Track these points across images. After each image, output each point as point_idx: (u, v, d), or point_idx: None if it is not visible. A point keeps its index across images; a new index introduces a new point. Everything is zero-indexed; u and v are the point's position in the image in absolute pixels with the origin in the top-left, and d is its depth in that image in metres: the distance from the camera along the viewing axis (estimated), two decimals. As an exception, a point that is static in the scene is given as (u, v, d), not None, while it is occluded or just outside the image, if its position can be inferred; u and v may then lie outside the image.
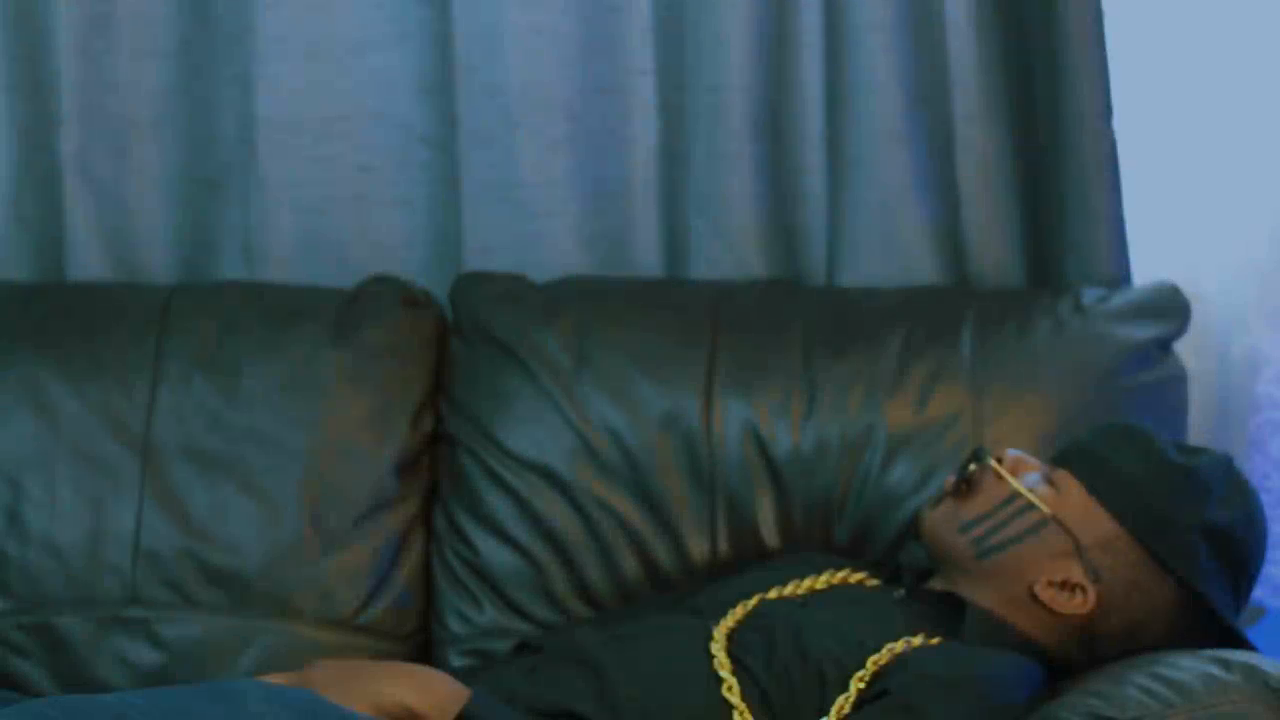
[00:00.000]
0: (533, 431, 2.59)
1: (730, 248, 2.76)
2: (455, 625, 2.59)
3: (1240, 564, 2.26)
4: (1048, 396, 2.54)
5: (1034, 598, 2.25)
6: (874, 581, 2.37)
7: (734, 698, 2.15)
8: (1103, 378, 2.55)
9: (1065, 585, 2.24)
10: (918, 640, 2.20)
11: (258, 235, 2.80)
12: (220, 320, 2.66)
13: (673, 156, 2.78)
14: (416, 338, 2.67)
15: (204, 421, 2.61)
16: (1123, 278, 2.68)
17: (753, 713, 2.15)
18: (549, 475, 2.58)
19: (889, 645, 2.18)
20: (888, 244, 2.76)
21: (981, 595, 2.27)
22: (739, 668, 2.18)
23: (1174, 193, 2.74)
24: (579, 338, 2.62)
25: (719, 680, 2.16)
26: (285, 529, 2.58)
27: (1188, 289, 2.65)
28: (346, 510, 2.58)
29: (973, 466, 2.30)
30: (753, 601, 2.30)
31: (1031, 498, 2.26)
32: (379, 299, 2.69)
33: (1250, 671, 2.06)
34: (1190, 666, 2.08)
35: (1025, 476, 2.29)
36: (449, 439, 2.63)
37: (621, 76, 2.76)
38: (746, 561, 2.50)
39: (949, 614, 2.26)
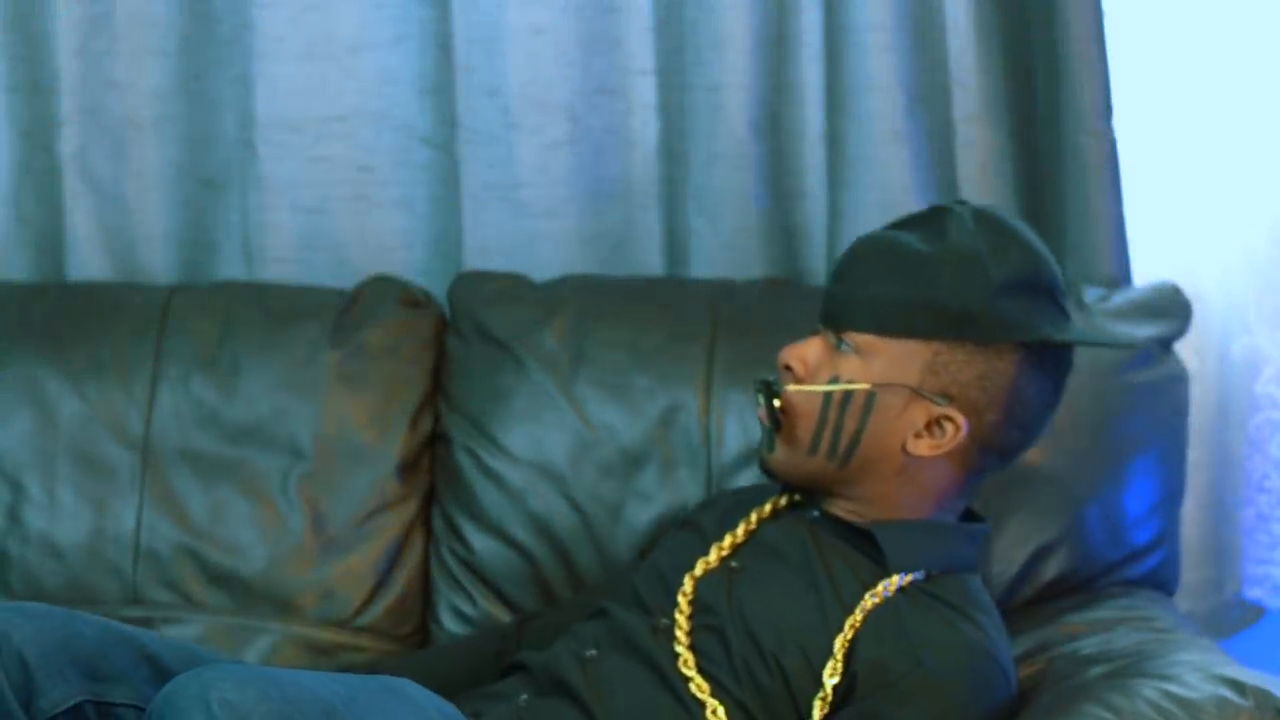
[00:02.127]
0: (531, 429, 2.59)
1: (730, 248, 2.76)
2: (451, 623, 2.59)
3: (1045, 285, 2.18)
4: (1048, 395, 2.54)
5: (916, 457, 2.18)
6: (783, 502, 2.30)
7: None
8: (1103, 375, 2.54)
9: (930, 426, 2.17)
10: (870, 603, 2.14)
11: (257, 235, 2.80)
12: (220, 320, 2.66)
13: (673, 156, 2.78)
14: (416, 338, 2.67)
15: (204, 421, 2.61)
16: (1123, 278, 2.68)
17: None
18: (547, 472, 2.58)
19: (849, 620, 2.13)
20: (888, 244, 2.76)
21: (871, 490, 2.20)
22: (714, 685, 2.14)
23: (1174, 193, 2.74)
24: (577, 335, 2.62)
25: (702, 705, 2.14)
26: (285, 529, 2.58)
27: (1188, 289, 2.65)
28: (346, 510, 2.58)
29: (776, 403, 2.20)
30: (689, 589, 2.23)
31: (845, 387, 2.17)
32: (378, 299, 2.69)
33: (1264, 697, 2.05)
34: (1202, 687, 2.07)
35: (822, 370, 2.19)
36: (446, 437, 2.63)
37: (621, 76, 2.76)
38: (667, 530, 2.47)
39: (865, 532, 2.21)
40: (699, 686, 2.14)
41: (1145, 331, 2.58)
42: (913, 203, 2.75)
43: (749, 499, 2.34)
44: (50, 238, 2.82)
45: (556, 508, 2.56)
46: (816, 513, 2.25)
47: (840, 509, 2.24)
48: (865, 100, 2.74)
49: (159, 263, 2.83)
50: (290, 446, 2.60)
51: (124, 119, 2.80)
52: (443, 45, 2.76)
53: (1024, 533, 2.49)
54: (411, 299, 2.70)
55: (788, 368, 2.21)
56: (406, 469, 2.61)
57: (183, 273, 2.84)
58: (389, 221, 2.81)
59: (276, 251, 2.81)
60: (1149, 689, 2.07)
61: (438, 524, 2.62)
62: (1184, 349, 2.65)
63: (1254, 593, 2.73)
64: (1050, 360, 2.19)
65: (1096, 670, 2.20)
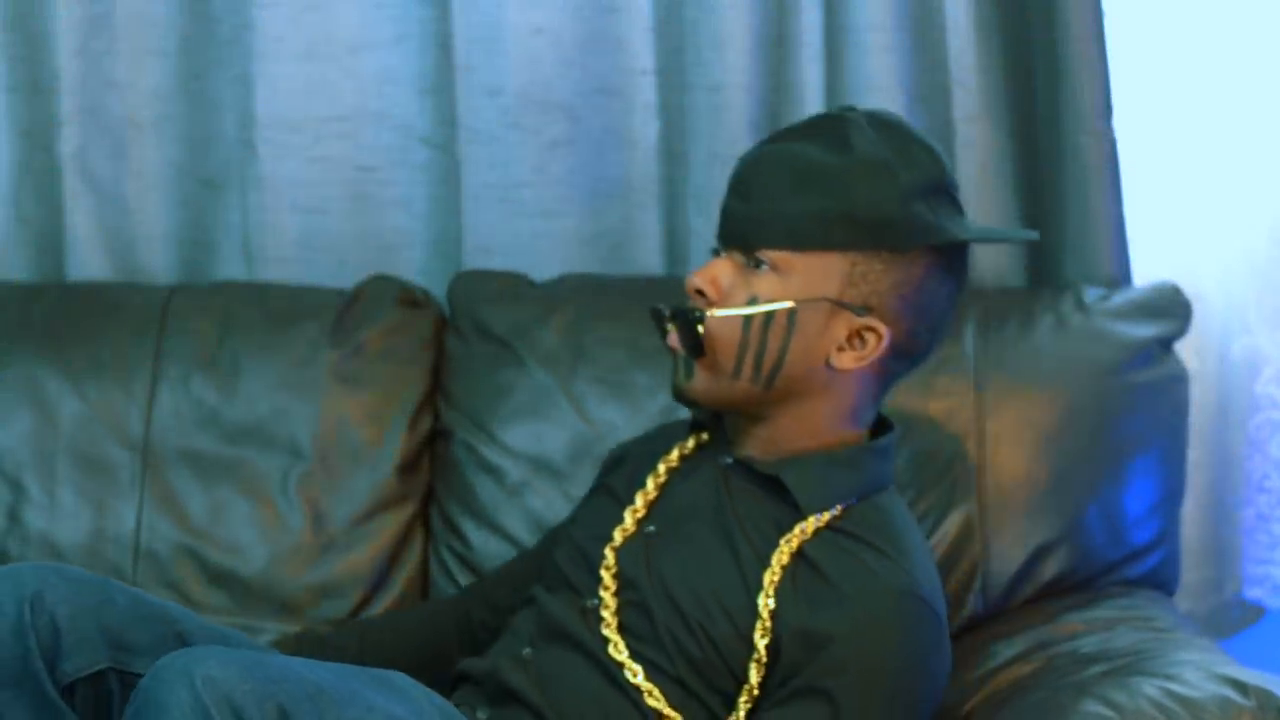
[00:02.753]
0: (530, 427, 2.60)
1: (730, 248, 2.76)
2: (452, 623, 2.59)
3: (947, 185, 2.16)
4: (1049, 392, 2.54)
5: (839, 372, 2.15)
6: (690, 446, 2.27)
7: (660, 704, 2.11)
8: (1104, 375, 2.55)
9: (852, 339, 2.13)
10: (786, 555, 2.12)
11: (257, 235, 2.80)
12: (220, 320, 2.66)
13: (673, 156, 2.78)
14: (416, 338, 2.67)
15: (204, 421, 2.61)
16: (1123, 278, 2.68)
17: (683, 714, 2.11)
18: (547, 470, 2.58)
19: (768, 575, 2.10)
20: (887, 244, 2.76)
21: (795, 410, 2.16)
22: (647, 667, 2.12)
23: (1174, 193, 2.74)
24: (576, 334, 2.62)
25: (641, 692, 2.11)
26: (285, 529, 2.58)
27: (1188, 289, 2.65)
28: (346, 510, 2.58)
29: (700, 329, 2.14)
30: (611, 562, 2.20)
31: (766, 308, 2.12)
32: (378, 299, 2.69)
33: (1265, 697, 2.04)
34: (1204, 687, 2.06)
35: (737, 292, 2.14)
36: (445, 436, 2.63)
37: (621, 76, 2.76)
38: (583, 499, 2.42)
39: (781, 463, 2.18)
40: (632, 671, 2.12)
41: (1145, 331, 2.58)
42: (913, 202, 2.75)
43: (655, 447, 2.30)
44: (50, 238, 2.82)
45: (556, 505, 2.56)
46: (729, 459, 2.21)
47: (754, 447, 2.19)
48: (865, 100, 2.74)
49: (159, 263, 2.83)
50: (290, 446, 2.60)
51: (124, 119, 2.80)
52: (443, 45, 2.77)
53: (1024, 532, 2.49)
54: (411, 299, 2.70)
55: (699, 293, 2.15)
56: (406, 468, 2.61)
57: (183, 273, 2.84)
58: (389, 221, 2.82)
59: (276, 251, 2.81)
60: (1151, 687, 2.07)
61: (437, 523, 2.62)
62: (1184, 349, 2.65)
63: (1254, 593, 2.73)
64: (956, 260, 2.17)
65: (1096, 669, 2.20)
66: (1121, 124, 2.67)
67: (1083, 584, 2.51)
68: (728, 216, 2.15)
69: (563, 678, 2.15)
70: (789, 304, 2.12)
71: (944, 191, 2.15)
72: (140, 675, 1.97)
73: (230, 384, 2.62)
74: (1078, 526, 2.50)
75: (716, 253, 2.17)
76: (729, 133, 2.75)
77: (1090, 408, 2.53)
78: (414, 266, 2.81)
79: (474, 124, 2.77)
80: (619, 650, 2.14)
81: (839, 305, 2.12)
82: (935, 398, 2.54)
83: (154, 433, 2.60)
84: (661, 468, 2.26)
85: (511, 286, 2.69)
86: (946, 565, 2.46)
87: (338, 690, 1.90)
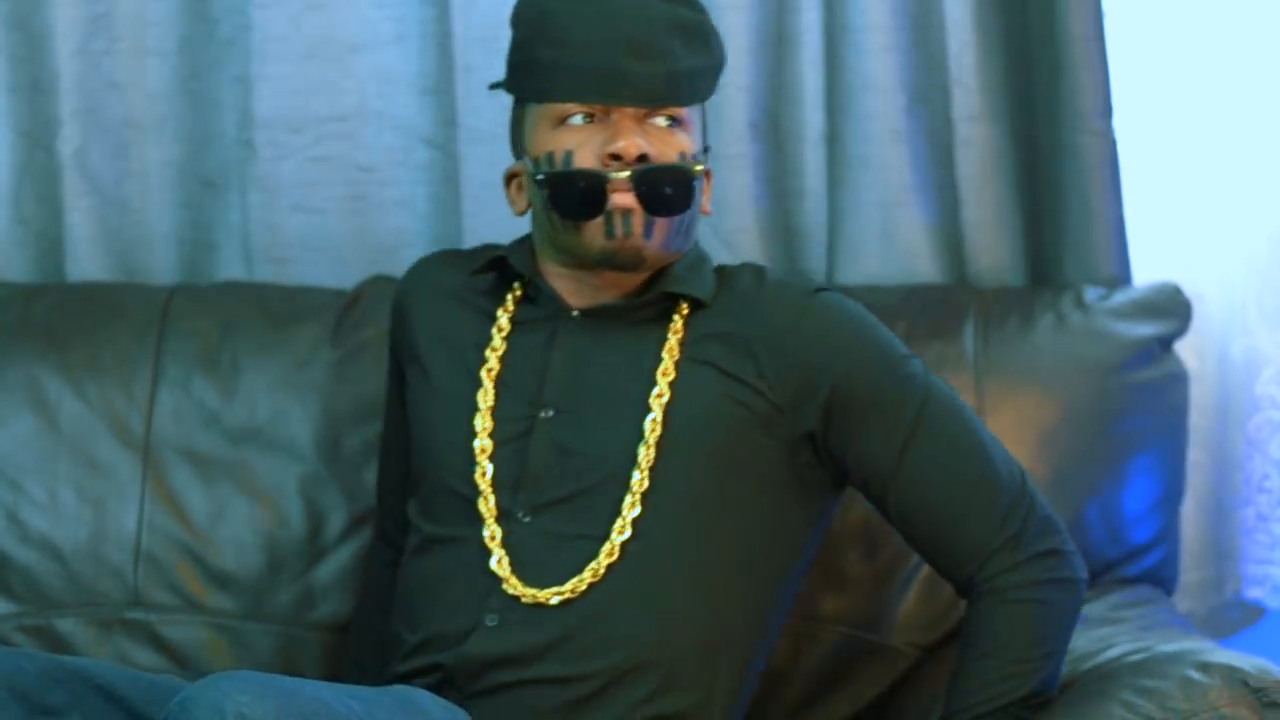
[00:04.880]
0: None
1: (730, 248, 2.76)
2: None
3: None
4: (1049, 391, 2.54)
5: (701, 213, 2.24)
6: (511, 306, 2.27)
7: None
8: (1104, 374, 2.55)
9: (708, 182, 2.25)
10: (676, 350, 2.18)
11: (257, 235, 2.80)
12: (220, 320, 2.66)
13: (673, 156, 2.78)
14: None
15: (204, 421, 2.61)
16: (1123, 278, 2.68)
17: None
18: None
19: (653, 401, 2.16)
20: (887, 243, 2.77)
21: (678, 252, 2.22)
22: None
23: (1174, 193, 2.74)
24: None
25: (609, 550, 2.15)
26: (285, 529, 2.58)
27: (1188, 289, 2.65)
28: (346, 510, 2.58)
29: (694, 187, 2.17)
30: (490, 469, 2.20)
31: (700, 161, 2.20)
32: (378, 299, 2.68)
33: (1229, 672, 2.05)
34: (1170, 673, 2.07)
35: (668, 151, 2.17)
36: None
37: (621, 76, 2.75)
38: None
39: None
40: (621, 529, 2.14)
41: (1145, 331, 2.58)
42: (913, 202, 2.75)
43: (442, 310, 2.31)
44: (50, 238, 2.82)
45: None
46: (576, 312, 2.22)
47: (612, 288, 2.21)
48: (865, 100, 2.74)
49: (159, 263, 2.83)
50: (290, 446, 2.60)
51: (124, 119, 2.80)
52: (443, 45, 2.76)
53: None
54: (412, 299, 2.70)
55: (643, 156, 2.15)
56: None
57: (183, 273, 2.84)
58: (389, 221, 2.81)
59: (276, 251, 2.80)
60: (1123, 689, 2.07)
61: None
62: (1184, 349, 2.65)
63: (1254, 593, 2.73)
64: None
65: (1085, 667, 2.21)
66: (1121, 124, 2.67)
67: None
68: (630, 78, 2.15)
69: (538, 628, 2.13)
70: (707, 165, 2.22)
71: None
72: None
73: (230, 384, 2.62)
74: (1077, 525, 2.50)
75: (567, 120, 2.17)
76: (729, 132, 2.74)
77: (1090, 407, 2.53)
78: (414, 266, 2.81)
79: (474, 124, 2.77)
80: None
81: (705, 150, 2.23)
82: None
83: (154, 433, 2.60)
84: (500, 328, 2.26)
85: (512, 287, 2.69)
86: (947, 565, 2.46)
87: None
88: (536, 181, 2.18)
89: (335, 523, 2.58)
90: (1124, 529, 2.54)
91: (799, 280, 2.29)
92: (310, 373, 2.63)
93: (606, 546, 2.14)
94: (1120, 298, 2.62)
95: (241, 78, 2.78)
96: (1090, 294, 2.62)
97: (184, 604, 2.56)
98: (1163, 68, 2.72)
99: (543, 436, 2.19)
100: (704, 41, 2.19)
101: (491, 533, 2.17)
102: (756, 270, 2.26)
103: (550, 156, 2.18)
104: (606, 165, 2.15)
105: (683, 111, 2.19)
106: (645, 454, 2.15)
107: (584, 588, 2.13)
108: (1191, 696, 2.03)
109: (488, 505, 2.18)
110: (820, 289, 2.22)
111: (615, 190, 2.15)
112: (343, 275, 2.78)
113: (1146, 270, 2.70)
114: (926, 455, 2.15)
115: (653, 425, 2.16)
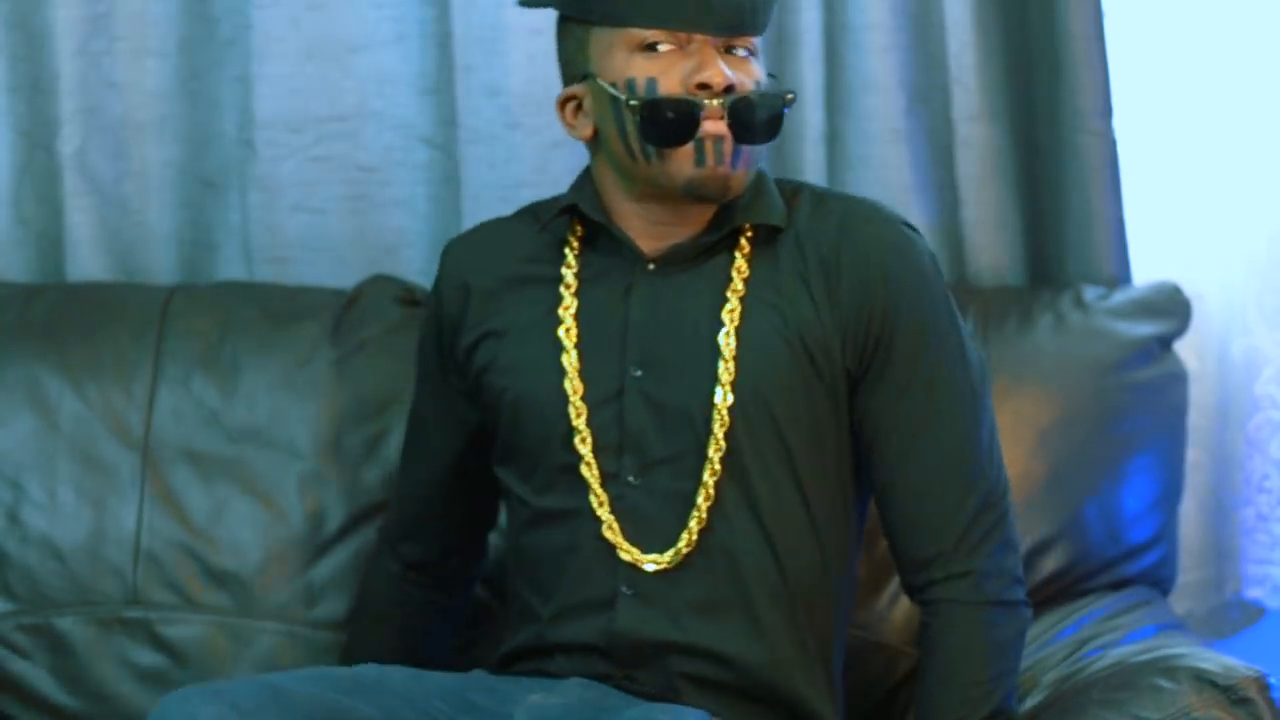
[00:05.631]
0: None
1: (730, 247, 2.76)
2: (451, 621, 2.59)
3: None
4: (1048, 391, 2.54)
5: None
6: (572, 259, 2.26)
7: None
8: (1103, 373, 2.55)
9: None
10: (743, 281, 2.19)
11: (258, 235, 2.80)
12: (220, 320, 2.66)
13: (673, 156, 2.78)
14: (415, 338, 2.66)
15: (204, 421, 2.61)
16: (1122, 278, 2.68)
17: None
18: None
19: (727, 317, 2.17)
20: (888, 243, 2.76)
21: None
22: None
23: (1174, 193, 2.74)
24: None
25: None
26: (285, 528, 2.58)
27: (1188, 289, 2.65)
28: (346, 509, 2.58)
29: (783, 115, 2.16)
30: (591, 431, 2.20)
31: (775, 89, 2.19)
32: (378, 299, 2.69)
33: (1195, 675, 2.06)
34: (1138, 683, 2.08)
35: (748, 75, 2.16)
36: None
37: (621, 76, 2.75)
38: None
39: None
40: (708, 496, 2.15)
41: (1145, 330, 2.58)
42: (913, 201, 2.75)
43: (501, 282, 2.28)
44: (50, 238, 2.82)
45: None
46: (650, 264, 2.21)
47: (682, 227, 2.20)
48: (865, 100, 2.74)
49: (159, 263, 2.83)
50: (290, 446, 2.60)
51: (124, 119, 2.80)
52: (443, 45, 2.77)
53: (1022, 528, 2.48)
54: (410, 298, 2.69)
55: (730, 88, 2.13)
56: (406, 468, 2.61)
57: (183, 273, 2.84)
58: (389, 221, 2.81)
59: (276, 251, 2.81)
60: (1095, 706, 2.08)
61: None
62: (1184, 349, 2.65)
63: (1254, 593, 2.73)
64: None
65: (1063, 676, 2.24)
66: (1121, 124, 2.67)
67: (1079, 581, 2.51)
68: (715, 7, 2.13)
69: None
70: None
71: None
72: None
73: (230, 384, 2.62)
74: (1075, 524, 2.50)
75: (650, 48, 2.14)
76: (729, 132, 2.74)
77: (1089, 406, 2.53)
78: (414, 266, 2.81)
79: (474, 124, 2.77)
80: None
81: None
82: (935, 397, 2.54)
83: (154, 433, 2.60)
84: (566, 295, 2.24)
85: (511, 286, 2.69)
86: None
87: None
88: (629, 107, 2.14)
89: (334, 521, 2.58)
90: (1122, 528, 2.54)
91: (872, 210, 2.22)
92: (310, 372, 2.63)
93: (702, 493, 2.14)
94: (1120, 297, 2.62)
95: (241, 78, 2.78)
96: (1090, 293, 2.62)
97: (183, 602, 2.56)
98: (1163, 68, 2.72)
99: (635, 395, 2.19)
100: None
101: (600, 499, 2.18)
102: (817, 193, 2.24)
103: (632, 83, 2.14)
104: (694, 94, 2.13)
105: (755, 42, 2.17)
106: (722, 396, 2.14)
107: (695, 539, 2.14)
108: (1161, 704, 2.03)
109: (592, 471, 2.18)
110: (902, 222, 2.21)
111: (709, 118, 2.12)
112: (343, 275, 2.78)
113: (1146, 270, 2.70)
114: (919, 419, 2.15)
115: (725, 368, 2.15)
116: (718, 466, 2.14)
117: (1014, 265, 2.76)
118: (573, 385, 2.20)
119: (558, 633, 2.20)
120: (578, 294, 2.23)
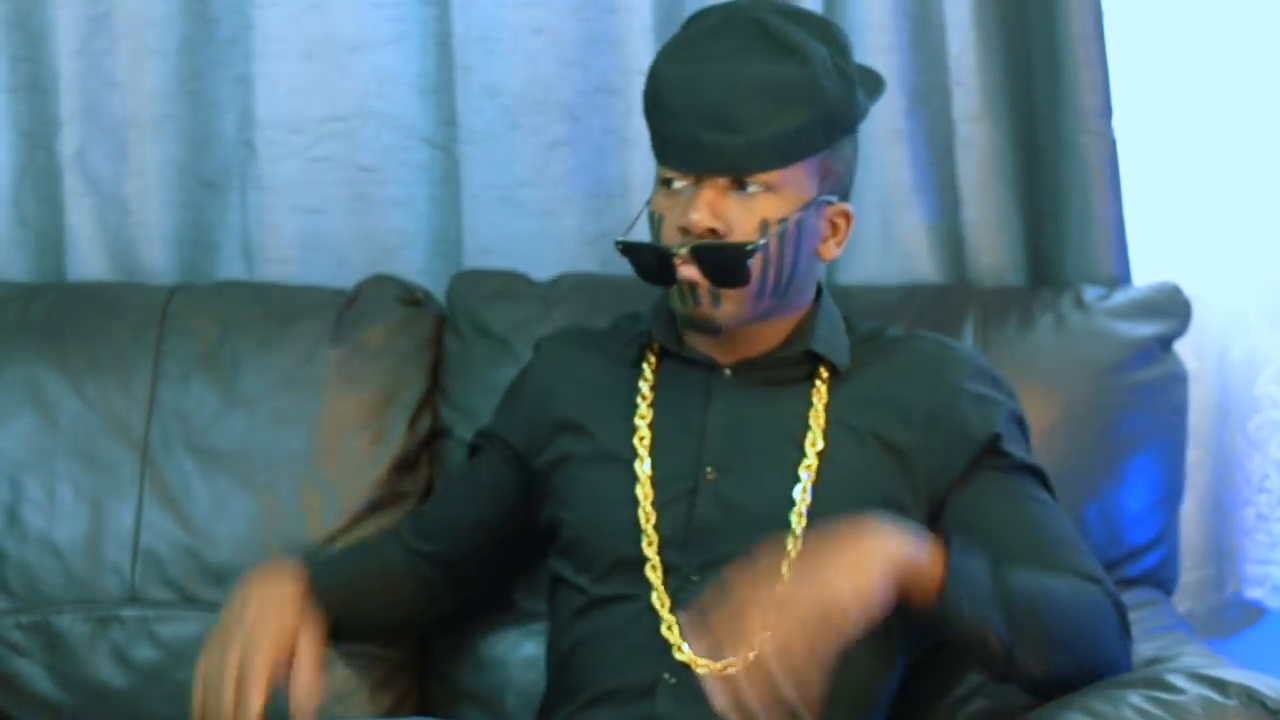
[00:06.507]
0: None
1: (730, 248, 2.76)
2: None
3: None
4: (1049, 390, 2.54)
5: (824, 260, 2.25)
6: (653, 360, 2.29)
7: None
8: (1103, 373, 2.55)
9: (834, 226, 2.23)
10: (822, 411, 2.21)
11: (257, 235, 2.80)
12: (220, 320, 2.66)
13: (673, 156, 2.78)
14: (415, 338, 2.67)
15: (204, 421, 2.61)
16: (1122, 278, 2.68)
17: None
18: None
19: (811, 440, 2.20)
20: (887, 243, 2.77)
21: (791, 303, 2.23)
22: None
23: (1174, 193, 2.74)
24: (575, 331, 2.62)
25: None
26: (285, 528, 2.58)
27: (1188, 289, 2.65)
28: (346, 509, 2.58)
29: (751, 263, 2.14)
30: (658, 529, 2.21)
31: (778, 228, 2.16)
32: (378, 299, 2.69)
33: (1248, 694, 2.04)
34: (1188, 689, 2.06)
35: (745, 219, 2.15)
36: (444, 433, 2.63)
37: (621, 76, 2.76)
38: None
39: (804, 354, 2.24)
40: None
41: (1145, 331, 2.58)
42: (913, 202, 2.75)
43: (584, 386, 2.31)
44: (50, 238, 2.82)
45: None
46: (727, 371, 2.24)
47: (751, 345, 2.23)
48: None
49: (159, 263, 2.83)
50: (289, 446, 2.60)
51: (124, 119, 2.81)
52: (443, 45, 2.77)
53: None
54: (410, 298, 2.70)
55: (711, 230, 2.15)
56: (405, 467, 2.61)
57: (183, 273, 2.84)
58: (389, 221, 2.82)
59: (276, 251, 2.81)
60: (1135, 695, 2.06)
61: (435, 521, 2.62)
62: (1184, 349, 2.65)
63: (1254, 593, 2.73)
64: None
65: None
66: (1121, 124, 2.67)
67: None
68: (707, 150, 2.14)
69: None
70: (797, 214, 2.17)
71: (852, 64, 2.23)
72: None
73: (230, 384, 2.62)
74: (1076, 525, 2.49)
75: (669, 184, 2.17)
76: (729, 133, 2.74)
77: (1089, 407, 2.53)
78: (414, 266, 2.81)
79: (474, 124, 2.77)
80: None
81: (822, 203, 2.20)
82: (935, 397, 2.54)
83: (153, 432, 2.60)
84: (643, 405, 2.27)
85: (510, 286, 2.69)
86: (946, 564, 2.45)
87: None
88: (614, 246, 2.21)
89: (333, 521, 2.58)
90: (1123, 529, 2.53)
91: (948, 349, 2.29)
92: (310, 372, 2.63)
93: None
94: (1120, 298, 2.62)
95: (241, 78, 2.79)
96: (1090, 294, 2.62)
97: (181, 600, 2.56)
98: (1163, 68, 2.72)
99: (708, 495, 2.20)
100: (804, 99, 2.13)
101: (661, 599, 2.19)
102: (895, 332, 2.29)
103: (653, 216, 2.20)
104: (683, 234, 2.15)
105: (775, 176, 2.15)
106: (797, 521, 2.16)
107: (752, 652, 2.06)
108: (1210, 714, 2.02)
109: (655, 572, 2.20)
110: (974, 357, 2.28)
111: (681, 264, 2.16)
112: (343, 275, 2.79)
113: (1146, 270, 2.70)
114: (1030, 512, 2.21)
115: (802, 494, 2.17)
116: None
117: (1014, 265, 2.76)
118: (644, 490, 2.22)
119: (593, 717, 2.20)
120: (653, 404, 2.27)
